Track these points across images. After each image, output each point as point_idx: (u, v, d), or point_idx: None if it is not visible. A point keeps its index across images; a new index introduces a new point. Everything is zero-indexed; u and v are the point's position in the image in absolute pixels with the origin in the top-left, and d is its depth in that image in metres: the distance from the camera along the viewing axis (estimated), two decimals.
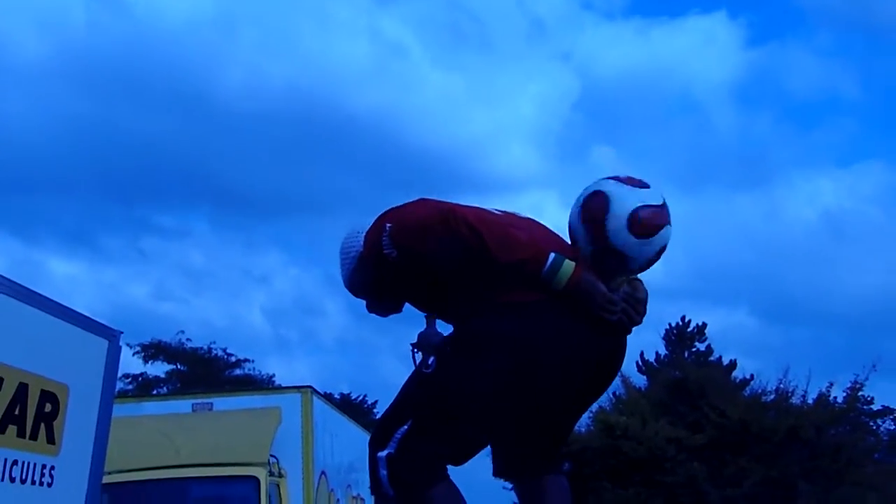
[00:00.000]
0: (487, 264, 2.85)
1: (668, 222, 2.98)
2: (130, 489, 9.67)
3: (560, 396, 3.02)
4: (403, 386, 3.11)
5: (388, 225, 3.06)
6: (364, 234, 3.22)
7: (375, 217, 3.17)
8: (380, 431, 3.02)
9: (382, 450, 2.94)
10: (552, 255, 2.84)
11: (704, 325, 31.97)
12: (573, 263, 2.85)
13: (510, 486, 3.82)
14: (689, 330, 31.76)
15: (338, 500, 12.76)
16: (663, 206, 2.98)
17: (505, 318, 2.89)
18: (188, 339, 36.66)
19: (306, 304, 67.53)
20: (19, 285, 4.03)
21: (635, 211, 2.90)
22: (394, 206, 3.16)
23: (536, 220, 3.16)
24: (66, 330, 4.34)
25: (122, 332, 4.86)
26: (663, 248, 3.01)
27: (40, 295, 4.20)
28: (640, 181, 3.01)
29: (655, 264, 3.07)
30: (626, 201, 2.92)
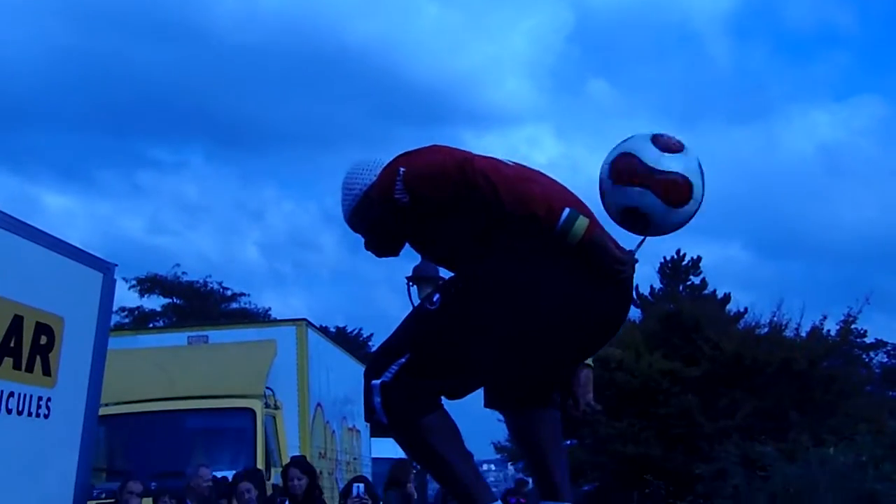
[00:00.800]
0: (499, 214, 2.85)
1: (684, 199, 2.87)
2: (127, 421, 9.78)
3: (563, 343, 3.03)
4: (404, 320, 3.11)
5: (402, 170, 3.02)
6: (370, 170, 3.19)
7: (387, 159, 3.13)
8: (376, 362, 3.02)
9: (377, 379, 2.95)
10: (566, 210, 2.81)
11: (699, 258, 32.16)
12: (587, 220, 2.83)
13: (503, 417, 3.84)
14: (683, 264, 31.91)
15: (333, 431, 12.91)
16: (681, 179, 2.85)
17: (512, 264, 2.90)
18: (184, 273, 36.82)
19: (301, 238, 67.78)
20: (13, 218, 4.01)
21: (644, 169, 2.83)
22: (407, 150, 3.11)
23: (545, 173, 3.11)
24: (61, 262, 4.32)
25: (116, 265, 4.85)
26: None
27: (34, 228, 4.18)
28: (675, 144, 2.90)
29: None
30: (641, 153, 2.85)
